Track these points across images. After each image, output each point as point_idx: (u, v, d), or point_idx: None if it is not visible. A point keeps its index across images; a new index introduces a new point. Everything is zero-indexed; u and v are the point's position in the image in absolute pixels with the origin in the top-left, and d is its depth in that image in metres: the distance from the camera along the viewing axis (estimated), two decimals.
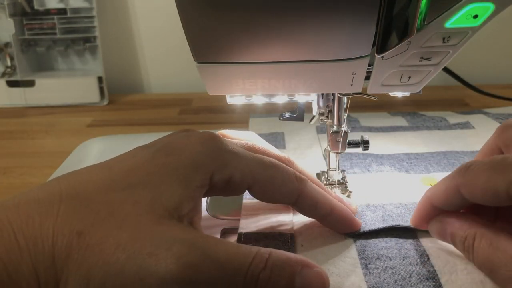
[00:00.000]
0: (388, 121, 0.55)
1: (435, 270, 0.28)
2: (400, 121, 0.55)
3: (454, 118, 0.55)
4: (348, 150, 0.37)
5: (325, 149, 0.39)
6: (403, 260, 0.29)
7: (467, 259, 0.27)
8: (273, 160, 0.28)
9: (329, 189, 0.35)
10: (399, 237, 0.31)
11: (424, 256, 0.29)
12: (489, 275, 0.26)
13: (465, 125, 0.52)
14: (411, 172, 0.41)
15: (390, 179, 0.40)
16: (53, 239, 0.21)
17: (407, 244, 0.30)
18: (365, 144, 0.37)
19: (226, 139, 0.27)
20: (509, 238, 0.25)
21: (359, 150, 0.37)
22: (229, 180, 0.26)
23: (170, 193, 0.24)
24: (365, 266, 0.29)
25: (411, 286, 0.27)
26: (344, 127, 0.36)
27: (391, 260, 0.29)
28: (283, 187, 0.28)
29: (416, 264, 0.28)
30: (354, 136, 0.37)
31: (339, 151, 0.37)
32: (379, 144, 0.48)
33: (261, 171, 0.27)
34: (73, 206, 0.22)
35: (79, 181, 0.24)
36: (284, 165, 0.29)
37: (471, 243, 0.26)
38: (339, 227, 0.31)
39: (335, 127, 0.36)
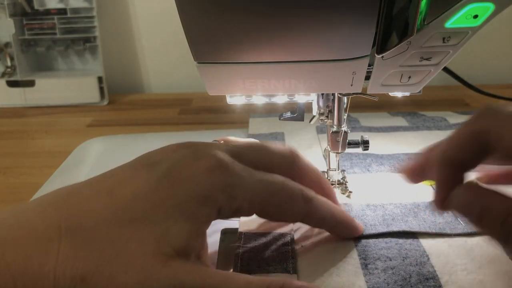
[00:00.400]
0: (388, 121, 0.55)
1: (435, 271, 0.28)
2: (400, 121, 0.55)
3: (454, 118, 0.55)
4: (348, 150, 0.37)
5: (325, 149, 0.39)
6: (403, 260, 0.29)
7: (499, 238, 0.24)
8: (281, 181, 0.27)
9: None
10: (399, 238, 0.31)
11: (424, 257, 0.29)
12: None
13: None
14: None
15: (390, 179, 0.40)
16: (55, 283, 0.20)
17: (407, 245, 0.30)
18: (365, 144, 0.37)
19: (233, 164, 0.25)
20: None
21: (359, 150, 0.37)
22: (236, 210, 0.25)
23: (177, 230, 0.22)
24: (365, 266, 0.28)
25: (411, 286, 0.27)
26: (344, 127, 0.36)
27: (391, 260, 0.29)
28: (289, 211, 0.27)
29: (416, 265, 0.28)
30: (354, 136, 0.37)
31: (339, 151, 0.37)
32: (379, 144, 0.48)
33: (268, 199, 0.26)
34: (74, 244, 0.21)
35: (79, 211, 0.22)
36: (292, 185, 0.27)
37: None
38: (342, 235, 0.31)
39: (335, 127, 0.36)
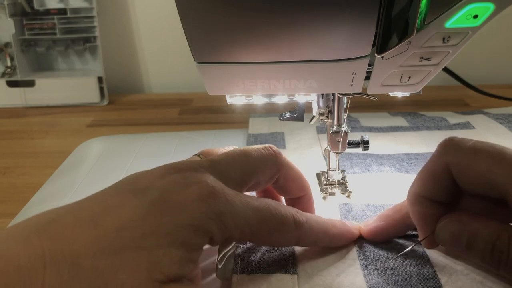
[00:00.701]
0: (388, 121, 0.55)
1: (435, 271, 0.28)
2: (400, 121, 0.55)
3: (454, 118, 0.55)
4: (348, 150, 0.37)
5: (325, 149, 0.39)
6: (403, 261, 0.29)
7: (491, 263, 0.24)
8: (272, 207, 0.26)
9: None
10: (399, 239, 0.31)
11: (424, 257, 0.29)
12: None
13: (466, 125, 0.52)
14: (411, 173, 0.41)
15: (390, 179, 0.40)
16: None
17: (407, 245, 0.31)
18: (365, 144, 0.37)
19: (224, 191, 0.25)
20: None
21: (359, 150, 0.37)
22: (227, 239, 0.25)
23: (169, 258, 0.21)
24: (365, 267, 0.29)
25: (411, 286, 0.27)
26: (344, 127, 0.36)
27: (390, 260, 0.29)
28: (281, 237, 0.27)
29: (416, 265, 0.28)
30: (354, 136, 0.37)
31: (339, 151, 0.37)
32: (379, 144, 0.48)
33: (259, 226, 0.25)
34: (60, 275, 0.20)
35: (63, 240, 0.21)
36: (283, 210, 0.27)
37: (506, 243, 0.24)
38: (339, 245, 0.31)
39: (335, 127, 0.36)
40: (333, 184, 0.38)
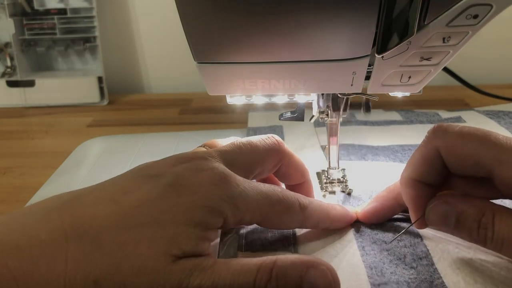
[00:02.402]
0: (383, 116, 0.57)
1: (428, 250, 0.29)
2: (394, 115, 0.57)
3: (446, 113, 0.57)
4: (344, 141, 0.37)
5: (325, 148, 0.39)
6: (398, 242, 0.30)
7: (478, 239, 0.26)
8: (278, 192, 0.28)
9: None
10: (394, 221, 0.33)
11: (417, 238, 0.31)
12: None
13: (457, 120, 0.54)
14: (405, 162, 0.42)
15: (385, 168, 0.42)
16: (65, 287, 0.20)
17: (402, 228, 0.32)
18: (367, 107, 0.37)
19: (235, 177, 0.26)
20: None
21: (356, 141, 0.37)
22: (239, 221, 0.26)
23: (187, 235, 0.23)
24: (362, 248, 0.30)
25: (406, 265, 0.28)
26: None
27: (386, 243, 0.30)
28: (288, 220, 0.29)
29: (410, 246, 0.30)
30: (353, 136, 0.37)
31: (341, 113, 0.36)
32: (374, 136, 0.50)
33: (268, 210, 0.27)
34: (82, 248, 0.21)
35: (84, 216, 0.22)
36: (289, 195, 0.28)
37: (491, 219, 0.25)
38: (339, 227, 0.33)
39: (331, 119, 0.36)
40: (333, 182, 0.38)
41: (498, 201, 0.27)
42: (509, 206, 0.26)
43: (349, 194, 0.37)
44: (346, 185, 0.38)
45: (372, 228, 0.32)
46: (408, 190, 0.29)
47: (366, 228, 0.32)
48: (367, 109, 0.37)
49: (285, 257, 0.24)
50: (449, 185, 0.29)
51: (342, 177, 0.39)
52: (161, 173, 0.25)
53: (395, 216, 0.33)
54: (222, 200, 0.24)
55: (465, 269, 0.27)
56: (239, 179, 0.26)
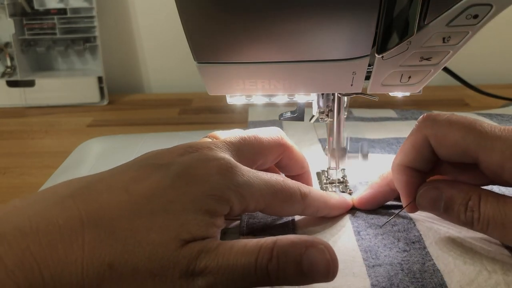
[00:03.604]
0: (379, 113, 0.59)
1: (420, 235, 0.31)
2: (390, 113, 0.59)
3: (438, 111, 0.59)
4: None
5: (325, 148, 0.39)
6: (392, 227, 0.32)
7: (465, 221, 0.28)
8: (281, 181, 0.29)
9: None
10: (388, 209, 0.35)
11: (410, 223, 0.32)
12: (500, 230, 0.26)
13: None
14: None
15: (380, 159, 0.44)
16: (83, 270, 0.21)
17: (394, 213, 0.34)
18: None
19: (241, 167, 0.27)
20: (509, 196, 0.27)
21: (354, 131, 0.38)
22: (244, 209, 0.27)
23: (197, 221, 0.24)
24: (358, 233, 0.32)
25: (399, 248, 0.30)
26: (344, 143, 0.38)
27: (381, 228, 0.32)
28: (289, 208, 0.30)
29: (404, 231, 0.31)
30: (350, 130, 0.38)
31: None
32: (370, 131, 0.52)
33: (272, 198, 0.28)
34: (98, 234, 0.22)
35: (98, 204, 0.23)
36: (290, 184, 0.29)
37: (477, 202, 0.27)
38: (336, 215, 0.34)
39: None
40: (333, 183, 0.38)
41: (488, 188, 0.28)
42: (496, 191, 0.27)
43: (349, 195, 0.37)
44: (346, 186, 0.38)
45: (367, 214, 0.34)
46: (399, 176, 0.31)
47: (362, 213, 0.34)
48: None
49: (285, 237, 0.24)
50: (439, 171, 0.31)
51: (342, 177, 0.39)
52: (170, 162, 0.26)
53: (390, 203, 0.35)
54: (229, 189, 0.25)
55: (455, 251, 0.29)
56: (244, 169, 0.27)
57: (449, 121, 0.28)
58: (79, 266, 0.21)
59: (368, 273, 0.27)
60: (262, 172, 0.29)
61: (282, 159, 0.33)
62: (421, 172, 0.31)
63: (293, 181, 0.30)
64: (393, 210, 0.34)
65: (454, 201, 0.28)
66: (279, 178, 0.29)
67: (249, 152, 0.30)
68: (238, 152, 0.29)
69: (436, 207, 0.29)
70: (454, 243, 0.29)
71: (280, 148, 0.33)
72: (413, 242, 0.30)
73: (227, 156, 0.28)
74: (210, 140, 0.32)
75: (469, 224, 0.28)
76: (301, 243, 0.24)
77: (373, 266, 0.28)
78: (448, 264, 0.28)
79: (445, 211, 0.28)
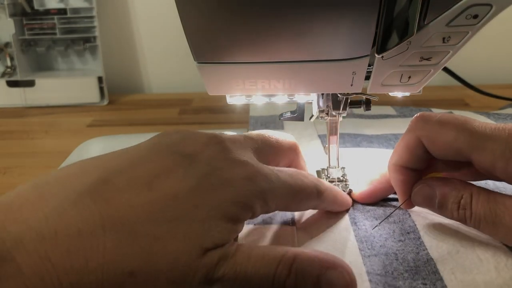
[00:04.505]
0: (378, 110, 0.59)
1: (415, 225, 0.32)
2: (389, 110, 0.60)
3: (438, 110, 0.60)
4: (339, 131, 0.38)
5: (325, 147, 0.39)
6: (388, 218, 0.33)
7: (459, 218, 0.29)
8: (300, 179, 0.29)
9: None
10: (384, 201, 0.36)
11: (405, 214, 0.33)
12: (490, 227, 0.27)
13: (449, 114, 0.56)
14: None
15: (379, 154, 0.44)
16: (103, 278, 0.20)
17: (391, 206, 0.35)
18: (367, 104, 0.37)
19: (266, 171, 0.27)
20: (501, 193, 0.27)
21: (351, 130, 0.38)
22: (265, 212, 0.27)
23: (220, 229, 0.23)
24: (355, 224, 0.32)
25: (395, 238, 0.31)
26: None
27: (376, 219, 0.33)
28: (305, 205, 0.31)
29: (399, 222, 0.32)
30: (349, 127, 0.38)
31: (340, 112, 0.37)
32: (369, 127, 0.52)
33: (291, 199, 0.28)
34: (119, 239, 0.21)
35: (119, 205, 0.22)
36: (309, 182, 0.29)
37: (469, 200, 0.28)
38: (337, 211, 0.35)
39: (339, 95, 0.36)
40: (333, 181, 0.38)
41: (482, 183, 0.30)
42: (492, 186, 0.29)
43: (349, 194, 0.37)
44: (346, 184, 0.38)
45: (364, 206, 0.35)
46: (395, 175, 0.32)
47: (359, 205, 0.35)
48: (368, 106, 0.37)
49: (306, 253, 0.24)
50: (435, 168, 0.32)
51: (342, 176, 0.39)
52: (195, 153, 0.25)
53: (388, 197, 0.36)
54: (254, 195, 0.25)
55: (448, 240, 0.29)
56: (267, 171, 0.27)
57: (441, 121, 0.29)
58: (99, 274, 0.20)
59: (364, 261, 0.28)
60: (282, 170, 0.28)
61: (290, 165, 0.34)
62: (416, 170, 0.31)
63: (312, 177, 0.30)
64: (390, 203, 0.35)
65: (447, 199, 0.29)
66: (299, 176, 0.29)
67: (269, 152, 0.31)
68: (258, 150, 0.29)
69: (431, 204, 0.30)
70: (448, 233, 0.30)
71: (293, 155, 0.33)
72: (408, 233, 0.31)
73: (252, 157, 0.28)
74: (233, 133, 0.32)
75: (462, 221, 0.28)
76: (321, 263, 0.24)
77: (369, 256, 0.29)
78: (442, 253, 0.28)
79: (440, 208, 0.29)
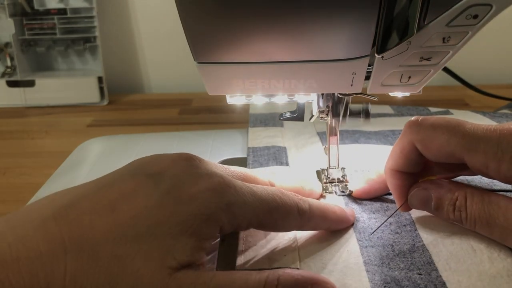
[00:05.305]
0: (376, 109, 0.60)
1: (411, 217, 0.33)
2: (386, 109, 0.60)
3: (435, 108, 0.60)
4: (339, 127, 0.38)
5: (325, 147, 0.39)
6: (385, 212, 0.34)
7: (455, 220, 0.29)
8: (278, 196, 0.28)
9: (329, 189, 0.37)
10: (380, 200, 0.36)
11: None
12: (486, 228, 0.28)
13: (445, 113, 0.58)
14: None
15: (376, 149, 0.45)
16: None
17: (388, 201, 0.36)
18: (366, 113, 0.37)
19: (234, 182, 0.26)
20: (495, 193, 0.28)
21: (349, 127, 0.39)
22: (236, 228, 0.26)
23: (181, 246, 0.22)
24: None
25: (391, 230, 0.32)
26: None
27: (374, 213, 0.34)
28: (285, 225, 0.29)
29: (396, 215, 0.33)
30: (347, 125, 0.39)
31: (340, 120, 0.37)
32: (367, 124, 0.53)
33: (266, 216, 0.27)
34: (80, 262, 0.21)
35: (82, 227, 0.22)
36: (288, 200, 0.28)
37: (464, 202, 0.28)
38: (336, 229, 0.33)
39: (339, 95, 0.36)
40: (333, 182, 0.38)
41: (477, 177, 0.31)
42: (487, 181, 0.31)
43: (349, 195, 0.37)
44: (346, 185, 0.38)
45: (362, 201, 0.36)
46: (391, 179, 0.32)
47: (356, 201, 0.36)
48: (367, 115, 0.37)
49: (288, 273, 0.24)
50: (430, 171, 0.32)
51: (342, 176, 0.39)
52: (161, 172, 0.25)
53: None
54: (218, 208, 0.24)
55: (444, 233, 0.30)
56: (238, 184, 0.26)
57: (433, 125, 0.29)
58: None
59: (361, 252, 0.29)
60: (258, 186, 0.27)
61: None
62: (411, 174, 0.32)
63: (292, 195, 0.29)
64: (386, 197, 0.36)
65: (443, 201, 0.29)
66: (276, 193, 0.28)
67: (245, 179, 0.29)
68: (234, 175, 0.28)
69: (427, 207, 0.30)
70: (443, 225, 0.31)
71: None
72: (405, 225, 0.32)
73: (222, 170, 0.27)
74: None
75: (458, 222, 0.29)
76: (306, 281, 0.24)
77: (366, 246, 0.30)
78: (437, 244, 0.29)
79: (436, 210, 0.30)
